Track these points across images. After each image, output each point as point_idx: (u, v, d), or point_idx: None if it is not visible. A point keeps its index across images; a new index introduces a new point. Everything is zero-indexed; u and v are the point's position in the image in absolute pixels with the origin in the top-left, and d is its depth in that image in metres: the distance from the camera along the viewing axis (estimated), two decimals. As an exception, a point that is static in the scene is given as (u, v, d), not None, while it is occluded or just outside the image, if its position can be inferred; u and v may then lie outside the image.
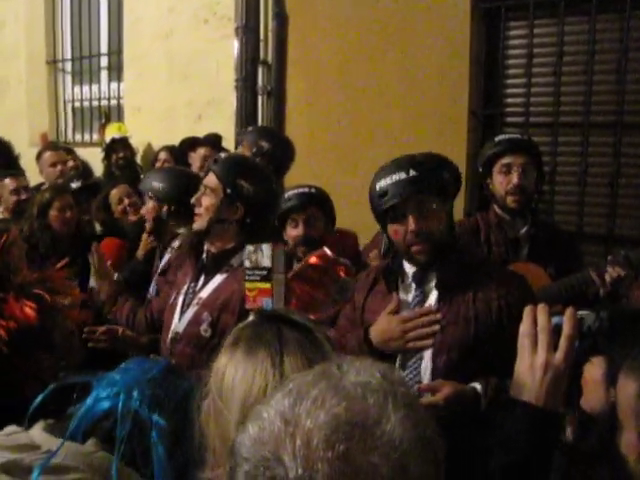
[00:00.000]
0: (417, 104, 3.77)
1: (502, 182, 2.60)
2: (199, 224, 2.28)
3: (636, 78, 3.30)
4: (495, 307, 1.89)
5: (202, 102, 4.84)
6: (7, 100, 6.51)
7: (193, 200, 2.29)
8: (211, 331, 2.18)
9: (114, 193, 3.86)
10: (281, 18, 4.32)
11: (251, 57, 4.41)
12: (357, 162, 3.97)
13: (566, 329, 1.10)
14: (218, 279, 2.25)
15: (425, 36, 3.72)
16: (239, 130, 4.41)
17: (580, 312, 1.16)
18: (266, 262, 1.17)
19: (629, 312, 1.73)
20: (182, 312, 2.30)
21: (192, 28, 4.86)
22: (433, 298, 1.94)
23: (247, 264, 1.20)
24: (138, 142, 5.16)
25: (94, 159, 5.24)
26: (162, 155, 4.62)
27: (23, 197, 3.83)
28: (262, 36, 4.43)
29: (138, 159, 5.15)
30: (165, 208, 2.99)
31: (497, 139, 2.71)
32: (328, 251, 1.25)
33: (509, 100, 3.69)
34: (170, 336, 2.30)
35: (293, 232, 2.66)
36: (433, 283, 1.95)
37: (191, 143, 4.44)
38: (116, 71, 5.83)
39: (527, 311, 1.14)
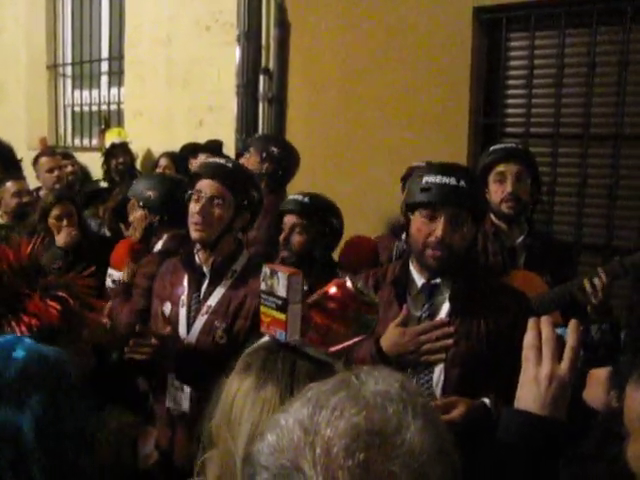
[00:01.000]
0: (418, 113, 3.78)
1: (497, 190, 2.60)
2: (207, 235, 2.20)
3: (636, 90, 3.32)
4: (504, 323, 1.91)
5: (203, 108, 4.84)
6: (7, 104, 6.49)
7: (196, 210, 2.18)
8: (227, 338, 2.18)
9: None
10: (283, 25, 4.34)
11: (253, 64, 4.43)
12: (357, 170, 3.99)
13: (570, 340, 1.10)
14: (225, 285, 2.24)
15: (427, 46, 3.74)
16: (240, 137, 4.43)
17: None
18: (281, 292, 1.13)
19: None
20: (189, 323, 2.25)
21: (194, 34, 4.87)
22: (444, 311, 1.95)
23: (263, 287, 1.16)
24: (138, 147, 5.15)
25: (93, 164, 5.24)
26: (163, 161, 4.61)
27: (24, 200, 3.81)
28: (264, 43, 4.44)
29: (137, 165, 5.14)
30: (157, 218, 2.91)
31: (492, 148, 2.71)
32: (349, 282, 1.21)
33: (510, 111, 3.71)
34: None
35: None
36: (445, 295, 1.96)
37: (192, 149, 4.43)
38: (116, 76, 5.82)
39: (531, 323, 1.13)
